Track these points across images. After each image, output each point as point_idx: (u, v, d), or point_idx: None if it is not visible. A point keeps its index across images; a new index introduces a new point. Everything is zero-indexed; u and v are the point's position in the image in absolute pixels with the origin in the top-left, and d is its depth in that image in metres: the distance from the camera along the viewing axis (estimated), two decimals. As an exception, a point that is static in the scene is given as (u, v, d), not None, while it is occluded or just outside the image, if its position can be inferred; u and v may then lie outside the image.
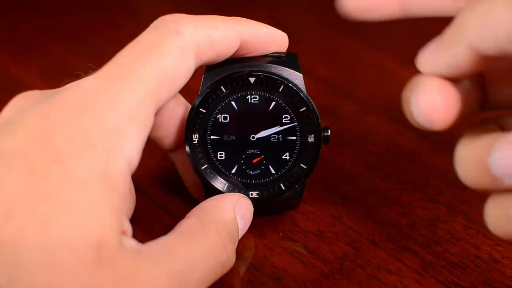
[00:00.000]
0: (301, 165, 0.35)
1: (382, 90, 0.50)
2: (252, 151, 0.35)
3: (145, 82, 0.29)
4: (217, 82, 0.34)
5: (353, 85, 0.51)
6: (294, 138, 0.35)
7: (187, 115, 0.35)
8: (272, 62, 0.34)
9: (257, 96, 0.35)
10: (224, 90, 0.34)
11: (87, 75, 0.29)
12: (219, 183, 0.36)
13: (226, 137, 0.35)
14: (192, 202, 0.36)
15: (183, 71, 0.30)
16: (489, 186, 0.26)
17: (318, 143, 0.35)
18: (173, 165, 0.38)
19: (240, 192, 0.35)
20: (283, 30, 0.35)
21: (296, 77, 0.34)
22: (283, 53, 0.35)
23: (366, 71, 0.53)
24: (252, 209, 0.34)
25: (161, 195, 0.40)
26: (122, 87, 0.28)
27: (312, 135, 0.35)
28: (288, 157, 0.36)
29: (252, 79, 0.34)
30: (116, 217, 0.27)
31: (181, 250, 0.28)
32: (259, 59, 0.34)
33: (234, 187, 0.36)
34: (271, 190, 0.36)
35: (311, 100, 0.34)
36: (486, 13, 0.25)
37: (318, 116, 0.35)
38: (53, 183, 0.26)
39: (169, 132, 0.35)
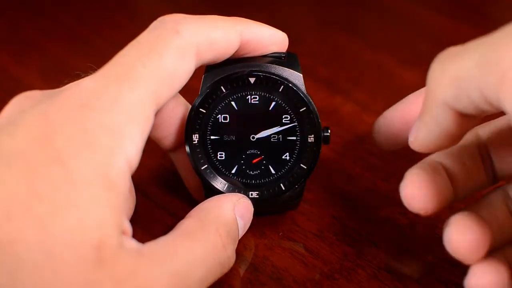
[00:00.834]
0: (301, 165, 0.35)
1: (382, 90, 0.50)
2: (252, 151, 0.35)
3: (145, 82, 0.29)
4: (217, 82, 0.34)
5: (353, 85, 0.51)
6: (294, 138, 0.35)
7: (187, 115, 0.35)
8: (272, 62, 0.34)
9: (257, 96, 0.35)
10: (224, 90, 0.34)
11: (87, 75, 0.29)
12: (219, 183, 0.36)
13: (226, 137, 0.35)
14: (192, 202, 0.36)
15: (183, 71, 0.30)
16: None
17: (318, 143, 0.35)
18: (173, 165, 0.38)
19: (240, 192, 0.35)
20: (283, 30, 0.35)
21: (296, 77, 0.34)
22: (283, 53, 0.35)
23: (366, 71, 0.53)
24: (252, 209, 0.34)
25: (161, 195, 0.40)
26: (122, 87, 0.28)
27: (312, 135, 0.35)
28: (288, 157, 0.36)
29: (252, 79, 0.34)
30: (116, 217, 0.27)
31: (181, 250, 0.28)
32: (259, 59, 0.34)
33: (234, 187, 0.36)
34: (271, 190, 0.36)
35: (311, 100, 0.34)
36: (457, 72, 0.25)
37: (318, 116, 0.35)
38: (53, 182, 0.26)
39: (169, 132, 0.35)
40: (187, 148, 0.35)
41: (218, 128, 0.35)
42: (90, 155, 0.26)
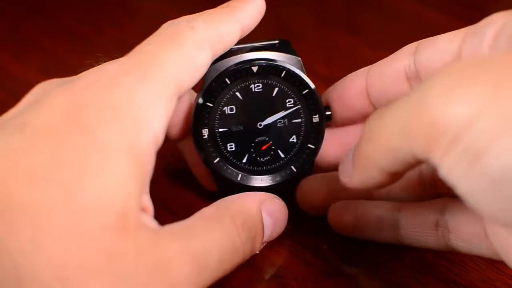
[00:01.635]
0: (309, 145, 0.36)
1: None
2: (261, 138, 0.36)
3: (168, 67, 0.29)
4: (220, 75, 0.34)
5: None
6: (299, 120, 0.36)
7: (193, 103, 0.35)
8: (268, 50, 0.35)
9: (260, 84, 0.35)
10: (229, 82, 0.35)
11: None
12: (233, 174, 0.36)
13: (234, 128, 0.36)
14: (193, 201, 0.37)
15: (201, 61, 0.31)
16: None
17: (322, 122, 0.36)
18: (173, 164, 0.38)
19: (253, 179, 0.36)
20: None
21: (295, 61, 0.35)
22: (276, 40, 0.36)
23: (366, 69, 0.53)
24: (286, 211, 0.34)
25: (161, 195, 0.40)
26: (147, 68, 0.28)
27: (317, 115, 0.35)
28: (295, 140, 0.36)
29: (255, 68, 0.35)
30: (138, 190, 0.26)
31: (198, 232, 0.28)
32: (256, 49, 0.35)
33: (247, 177, 0.36)
34: (283, 174, 0.36)
35: (311, 82, 0.35)
36: (389, 143, 0.25)
37: (320, 96, 0.35)
38: (79, 150, 0.25)
39: (176, 121, 0.35)
40: (197, 144, 0.35)
41: (225, 120, 0.36)
42: (118, 126, 0.26)
